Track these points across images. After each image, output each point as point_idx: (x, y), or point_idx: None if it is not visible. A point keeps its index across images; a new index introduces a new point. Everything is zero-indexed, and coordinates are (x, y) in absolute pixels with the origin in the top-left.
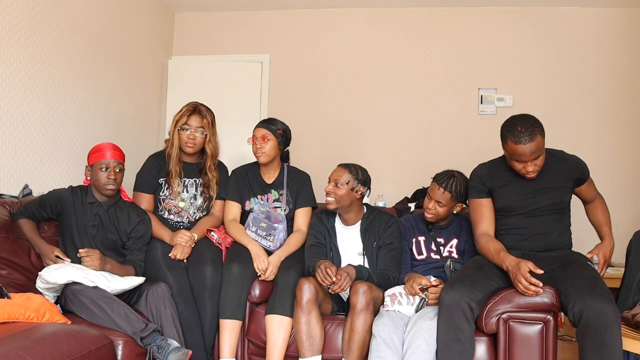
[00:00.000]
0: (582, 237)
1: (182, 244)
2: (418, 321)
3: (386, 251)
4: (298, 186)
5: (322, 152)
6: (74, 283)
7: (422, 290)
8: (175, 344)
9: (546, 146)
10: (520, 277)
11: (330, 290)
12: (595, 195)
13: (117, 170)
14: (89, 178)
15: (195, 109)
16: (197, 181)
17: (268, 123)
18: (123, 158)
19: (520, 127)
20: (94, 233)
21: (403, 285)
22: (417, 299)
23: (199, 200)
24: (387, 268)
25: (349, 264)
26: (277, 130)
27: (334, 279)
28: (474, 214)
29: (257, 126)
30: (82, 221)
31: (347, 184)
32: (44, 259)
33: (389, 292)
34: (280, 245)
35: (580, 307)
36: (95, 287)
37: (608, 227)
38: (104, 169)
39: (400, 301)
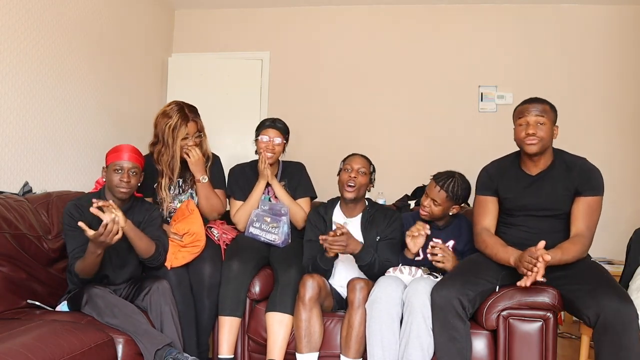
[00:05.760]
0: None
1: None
2: (415, 282)
3: (387, 243)
4: (297, 177)
5: (322, 149)
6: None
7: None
8: (191, 358)
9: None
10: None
11: (326, 246)
12: (581, 231)
13: (132, 173)
14: (104, 179)
15: (185, 116)
16: (192, 179)
17: (282, 127)
18: (140, 162)
19: (535, 97)
20: None
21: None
22: (419, 272)
23: (197, 198)
24: (386, 260)
25: (359, 241)
26: (287, 133)
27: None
28: (477, 210)
29: (272, 127)
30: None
31: (370, 174)
32: (98, 236)
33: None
34: (285, 239)
35: (597, 309)
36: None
37: (559, 253)
38: (118, 171)
39: (402, 270)
